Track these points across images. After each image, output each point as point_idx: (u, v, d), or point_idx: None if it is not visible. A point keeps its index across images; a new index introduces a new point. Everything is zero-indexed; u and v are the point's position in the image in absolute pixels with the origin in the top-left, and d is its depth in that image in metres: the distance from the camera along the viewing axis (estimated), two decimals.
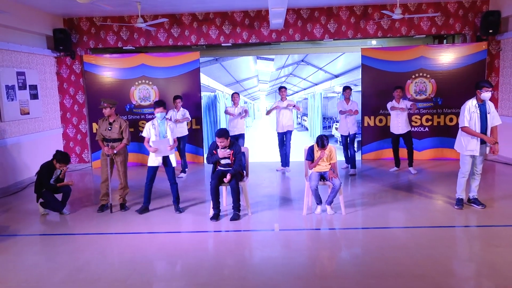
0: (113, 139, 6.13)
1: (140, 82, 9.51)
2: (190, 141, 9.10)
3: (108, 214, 6.14)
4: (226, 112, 8.56)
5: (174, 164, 6.14)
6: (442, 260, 4.31)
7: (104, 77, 9.48)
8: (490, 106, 5.66)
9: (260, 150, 10.08)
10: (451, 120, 9.11)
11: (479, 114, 5.59)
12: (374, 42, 11.85)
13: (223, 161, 5.82)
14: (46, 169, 6.05)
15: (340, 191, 5.72)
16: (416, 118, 9.17)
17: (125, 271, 4.30)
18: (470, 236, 5.14)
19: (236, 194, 5.68)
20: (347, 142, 8.29)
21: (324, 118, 12.40)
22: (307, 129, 13.21)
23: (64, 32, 9.14)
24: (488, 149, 5.74)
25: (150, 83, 9.51)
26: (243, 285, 3.95)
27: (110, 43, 9.55)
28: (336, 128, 9.04)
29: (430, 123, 9.23)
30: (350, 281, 3.96)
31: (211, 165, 6.00)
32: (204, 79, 10.94)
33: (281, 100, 8.36)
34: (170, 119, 8.32)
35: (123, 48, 9.76)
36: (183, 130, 8.35)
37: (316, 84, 12.52)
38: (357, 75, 9.96)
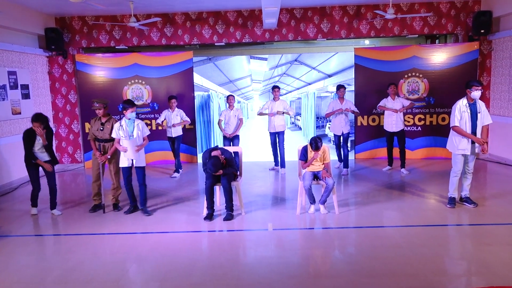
0: (104, 139, 6.10)
1: (133, 81, 9.47)
2: (184, 141, 9.08)
3: (101, 214, 6.11)
4: (220, 123, 8.47)
5: (142, 164, 5.96)
6: (435, 259, 4.34)
7: (96, 76, 9.43)
8: (480, 105, 5.70)
9: (254, 149, 10.08)
10: (443, 119, 9.17)
11: (469, 114, 5.63)
12: (367, 42, 11.90)
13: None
14: (26, 135, 5.94)
15: (333, 190, 5.73)
16: (408, 117, 9.22)
17: (118, 271, 4.28)
18: (462, 235, 5.18)
19: (228, 194, 5.68)
20: (340, 142, 8.31)
21: (318, 118, 12.42)
22: (300, 128, 13.23)
23: (56, 31, 9.07)
24: (478, 148, 5.78)
25: (143, 82, 9.47)
26: (237, 284, 3.95)
27: (103, 43, 9.50)
28: (329, 127, 9.04)
29: (422, 122, 9.28)
30: (343, 280, 3.98)
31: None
32: (197, 79, 10.91)
33: (274, 100, 8.35)
34: (165, 120, 8.33)
35: (116, 47, 9.71)
36: (178, 130, 8.33)
37: (309, 84, 12.54)
38: (350, 74, 9.99)
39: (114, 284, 4.00)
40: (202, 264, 4.40)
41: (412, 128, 9.26)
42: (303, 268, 4.32)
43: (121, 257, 4.63)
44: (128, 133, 5.86)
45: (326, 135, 11.96)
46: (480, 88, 5.61)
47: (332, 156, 6.80)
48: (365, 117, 9.37)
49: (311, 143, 5.67)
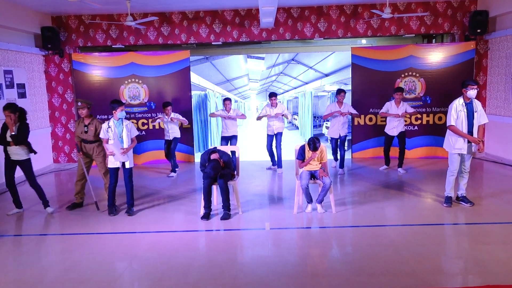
0: (89, 141, 6.12)
1: (129, 80, 9.44)
2: (181, 141, 9.06)
3: (96, 214, 6.09)
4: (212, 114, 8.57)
5: (128, 165, 5.89)
6: (431, 258, 4.35)
7: (93, 75, 9.39)
8: (477, 105, 5.72)
9: (251, 149, 10.08)
10: (440, 118, 9.19)
11: (466, 113, 5.65)
12: (364, 41, 11.91)
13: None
14: (3, 125, 5.94)
15: (330, 189, 5.74)
16: (405, 117, 9.22)
17: (115, 271, 4.28)
18: (458, 234, 5.20)
19: (225, 194, 5.68)
20: (337, 145, 8.31)
21: (315, 117, 12.43)
22: (297, 128, 13.25)
23: (53, 30, 9.03)
24: (475, 147, 5.80)
25: (140, 81, 9.45)
26: (234, 284, 3.95)
27: (99, 42, 9.46)
28: (327, 127, 9.04)
29: (419, 121, 9.30)
30: (340, 278, 3.98)
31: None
32: (195, 78, 10.90)
33: (271, 107, 8.33)
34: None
35: (113, 46, 9.68)
36: (175, 132, 8.32)
37: (306, 83, 12.55)
38: (347, 74, 10.00)
39: (111, 283, 3.99)
40: (199, 263, 4.40)
41: (409, 128, 9.28)
42: (300, 267, 4.33)
43: (118, 256, 4.63)
44: (117, 135, 5.77)
45: (323, 135, 11.98)
46: (475, 87, 5.63)
47: (329, 155, 6.81)
48: (362, 116, 9.38)
49: (309, 144, 5.67)
